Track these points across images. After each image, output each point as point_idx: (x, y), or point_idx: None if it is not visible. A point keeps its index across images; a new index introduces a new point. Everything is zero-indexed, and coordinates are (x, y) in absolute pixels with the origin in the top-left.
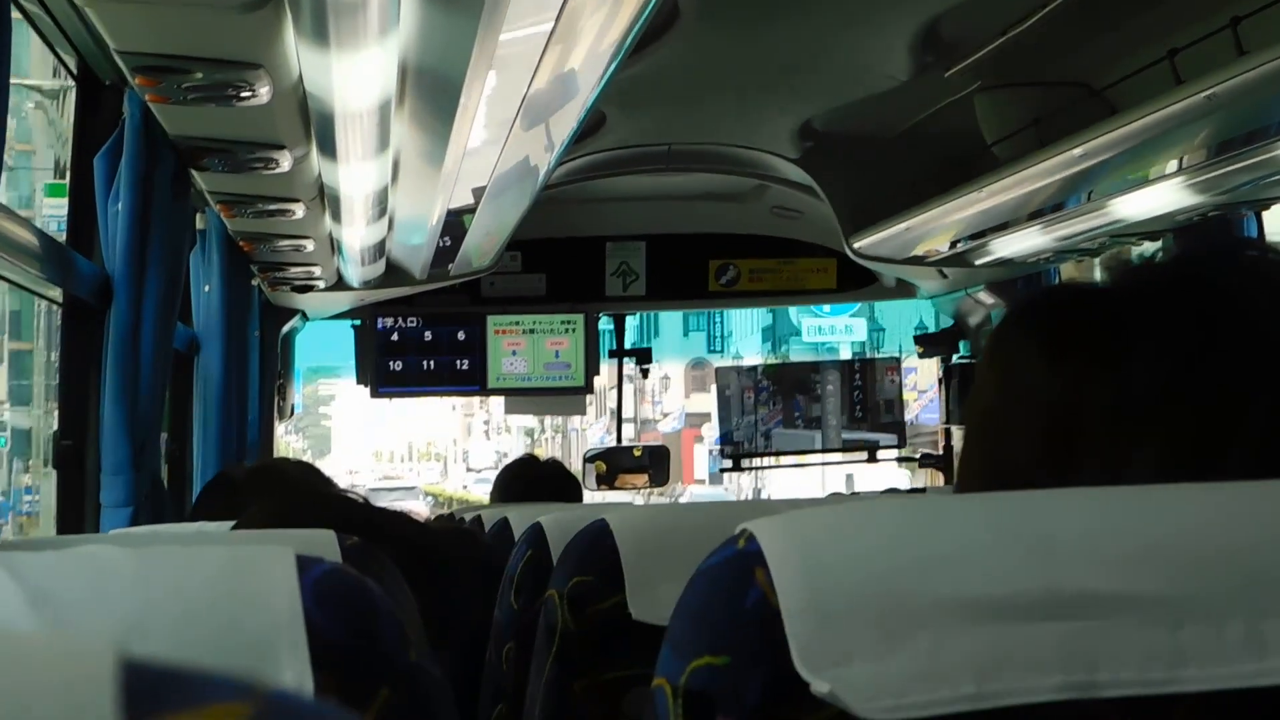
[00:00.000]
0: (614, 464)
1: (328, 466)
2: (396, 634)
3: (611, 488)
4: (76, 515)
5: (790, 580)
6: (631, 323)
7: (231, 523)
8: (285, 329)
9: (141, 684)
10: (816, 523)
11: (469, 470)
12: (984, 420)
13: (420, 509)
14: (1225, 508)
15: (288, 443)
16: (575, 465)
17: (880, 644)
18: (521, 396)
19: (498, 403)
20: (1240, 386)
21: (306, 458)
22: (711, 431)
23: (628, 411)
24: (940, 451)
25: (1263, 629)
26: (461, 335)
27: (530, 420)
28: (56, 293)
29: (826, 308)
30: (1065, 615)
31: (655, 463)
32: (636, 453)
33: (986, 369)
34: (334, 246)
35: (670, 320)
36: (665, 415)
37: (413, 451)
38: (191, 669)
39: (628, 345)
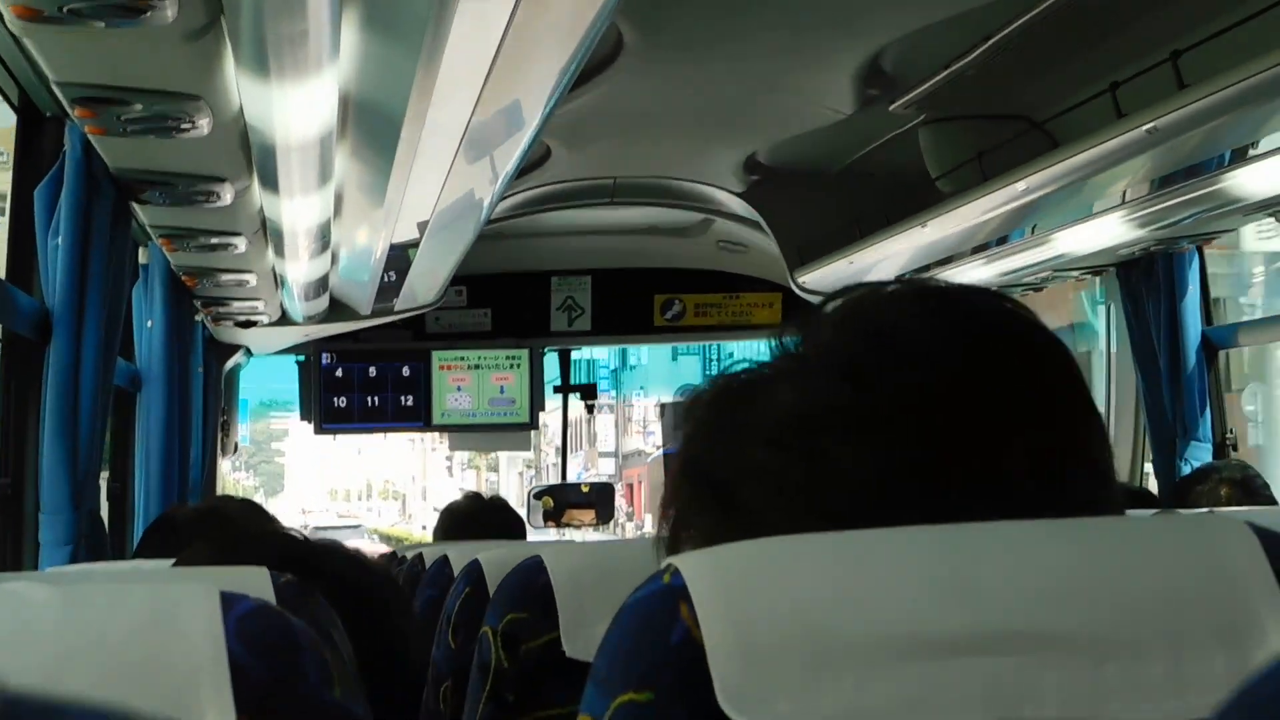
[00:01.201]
0: (561, 500)
1: (280, 505)
2: (320, 671)
3: (559, 524)
4: (15, 554)
5: (715, 616)
6: (612, 349)
7: (171, 561)
8: (229, 365)
9: (19, 716)
10: (742, 558)
11: (436, 510)
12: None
13: (364, 548)
14: (1146, 544)
15: (236, 480)
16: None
17: (804, 681)
18: (466, 433)
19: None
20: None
21: (258, 496)
22: None
23: (608, 445)
24: None
25: (1183, 666)
26: (406, 371)
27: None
28: None
29: None
30: (989, 652)
31: (601, 500)
32: (584, 489)
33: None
34: (277, 281)
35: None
36: (658, 448)
37: (371, 490)
38: (67, 702)
39: (611, 369)
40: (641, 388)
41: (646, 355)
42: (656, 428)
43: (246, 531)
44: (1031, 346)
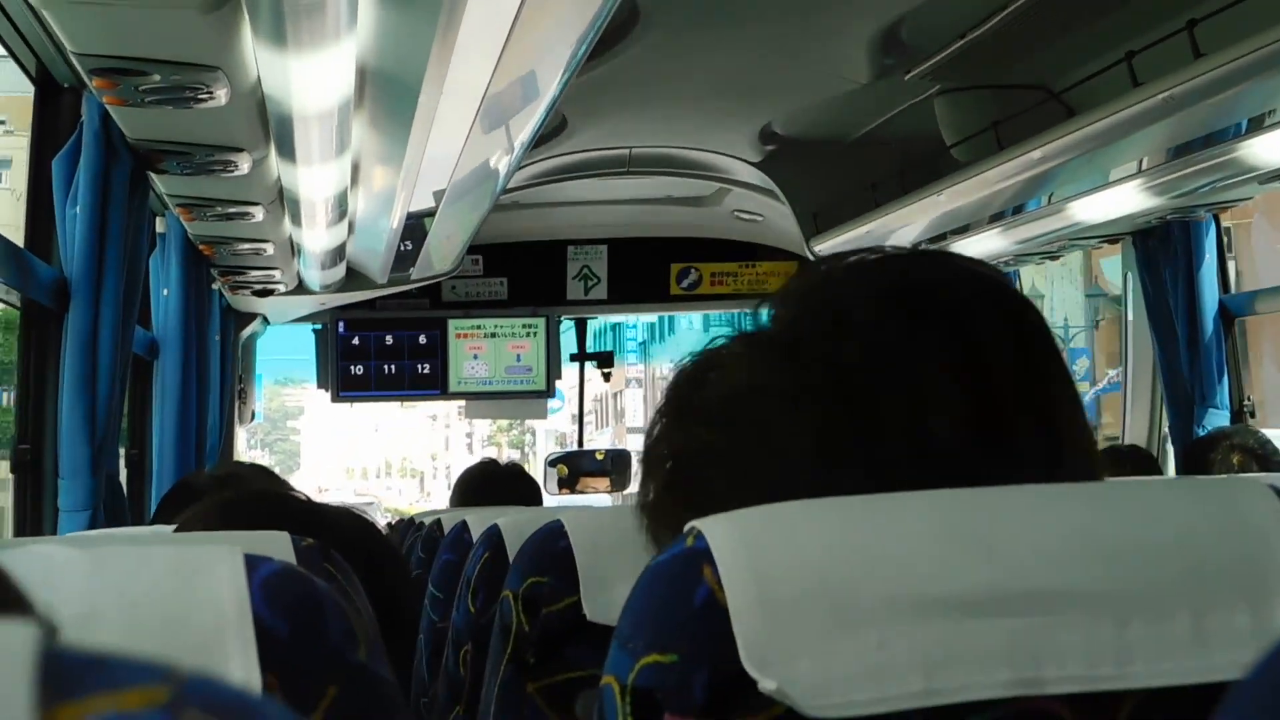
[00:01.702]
0: (575, 467)
1: (296, 483)
2: (345, 632)
3: (573, 491)
4: (34, 519)
5: (738, 578)
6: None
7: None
8: (246, 333)
9: (60, 669)
10: (765, 520)
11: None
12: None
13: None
14: (1168, 504)
15: (252, 458)
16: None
17: (828, 641)
18: (482, 400)
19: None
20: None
21: None
22: None
23: (637, 420)
24: None
25: (1206, 625)
26: (423, 339)
27: (539, 431)
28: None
29: None
30: (1012, 612)
31: (617, 467)
32: (599, 456)
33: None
34: (294, 250)
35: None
36: None
37: (389, 468)
38: (114, 654)
39: (645, 338)
40: (673, 360)
41: (677, 326)
42: None
43: (252, 493)
44: (967, 308)
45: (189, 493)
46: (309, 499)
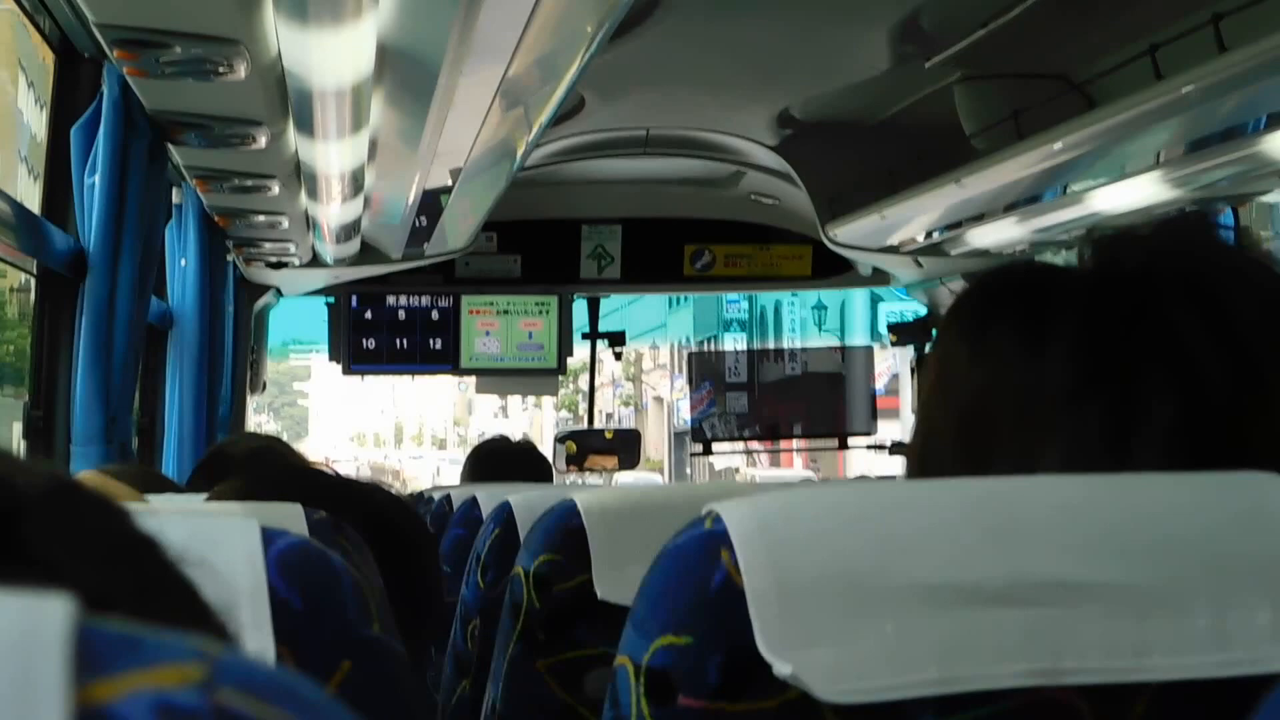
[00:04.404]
0: (584, 445)
1: (303, 451)
2: (359, 606)
3: (581, 469)
4: None
5: (755, 562)
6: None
7: (203, 496)
8: (259, 305)
9: (94, 644)
10: (783, 505)
11: None
12: (919, 413)
13: None
14: (1191, 498)
15: (258, 424)
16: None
17: (844, 627)
18: (494, 377)
19: None
20: (1151, 382)
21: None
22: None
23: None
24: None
25: (1226, 620)
26: (435, 315)
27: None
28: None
29: None
30: (1031, 602)
31: (625, 446)
32: (608, 435)
33: (928, 360)
34: (309, 224)
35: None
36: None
37: (412, 435)
38: (146, 630)
39: (738, 311)
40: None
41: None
42: None
43: (284, 466)
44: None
45: (223, 461)
46: (338, 474)
